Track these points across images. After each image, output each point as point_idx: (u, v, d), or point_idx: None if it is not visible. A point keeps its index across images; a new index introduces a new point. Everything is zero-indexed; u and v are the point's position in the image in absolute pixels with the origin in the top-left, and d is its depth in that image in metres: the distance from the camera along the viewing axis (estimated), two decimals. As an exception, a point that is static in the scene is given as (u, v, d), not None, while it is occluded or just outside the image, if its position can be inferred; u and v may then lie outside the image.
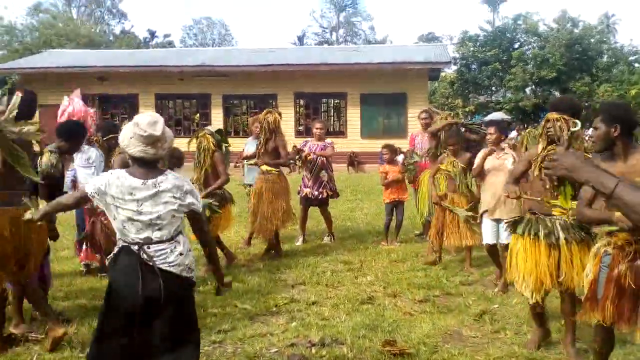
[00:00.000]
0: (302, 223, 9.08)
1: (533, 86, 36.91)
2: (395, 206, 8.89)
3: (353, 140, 23.47)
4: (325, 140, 9.17)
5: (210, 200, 7.02)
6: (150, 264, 3.40)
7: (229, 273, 6.95)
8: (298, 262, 7.79)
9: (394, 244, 8.70)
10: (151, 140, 3.44)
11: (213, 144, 7.32)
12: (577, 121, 3.97)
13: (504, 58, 37.54)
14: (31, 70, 25.70)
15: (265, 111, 8.33)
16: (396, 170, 8.91)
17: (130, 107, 24.89)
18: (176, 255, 3.47)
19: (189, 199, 3.53)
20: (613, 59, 36.68)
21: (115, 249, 3.53)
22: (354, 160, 23.12)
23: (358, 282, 6.87)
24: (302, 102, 25.27)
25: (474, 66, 39.70)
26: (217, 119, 24.16)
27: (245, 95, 25.25)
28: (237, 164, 11.06)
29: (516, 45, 39.14)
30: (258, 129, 8.65)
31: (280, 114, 8.30)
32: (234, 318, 5.65)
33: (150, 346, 3.44)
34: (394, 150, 9.27)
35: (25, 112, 4.73)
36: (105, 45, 50.97)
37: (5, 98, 4.86)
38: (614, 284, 3.73)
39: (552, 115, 4.64)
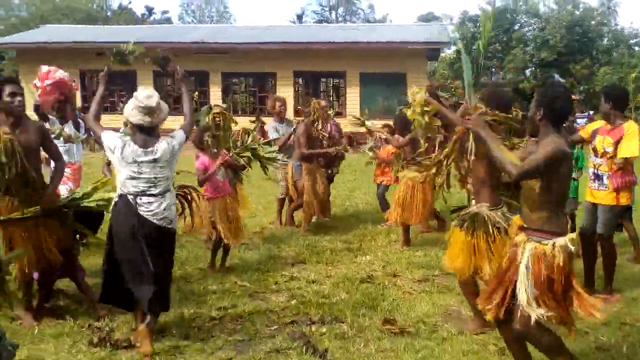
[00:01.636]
0: None
1: (533, 68, 36.74)
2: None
3: (352, 120, 23.39)
4: (332, 120, 9.27)
5: None
6: (140, 211, 4.41)
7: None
8: (297, 240, 7.80)
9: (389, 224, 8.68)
10: (148, 111, 4.39)
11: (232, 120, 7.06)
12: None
13: (504, 39, 37.31)
14: (27, 45, 25.47)
15: (315, 101, 8.51)
16: (385, 152, 8.83)
17: (128, 84, 24.73)
18: (162, 209, 4.48)
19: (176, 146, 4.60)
20: (613, 42, 36.47)
21: (116, 197, 4.52)
22: (353, 140, 23.05)
23: (357, 262, 6.89)
24: (301, 81, 25.14)
25: (473, 47, 39.47)
26: (215, 97, 24.00)
27: (244, 73, 25.07)
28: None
29: (516, 27, 38.90)
30: (281, 111, 8.73)
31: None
32: (234, 295, 5.68)
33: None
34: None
35: None
36: (102, 21, 50.52)
37: None
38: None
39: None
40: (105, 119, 22.03)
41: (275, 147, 7.73)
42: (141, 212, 4.43)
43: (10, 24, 46.98)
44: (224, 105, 7.20)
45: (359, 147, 22.93)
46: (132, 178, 4.42)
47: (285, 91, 23.66)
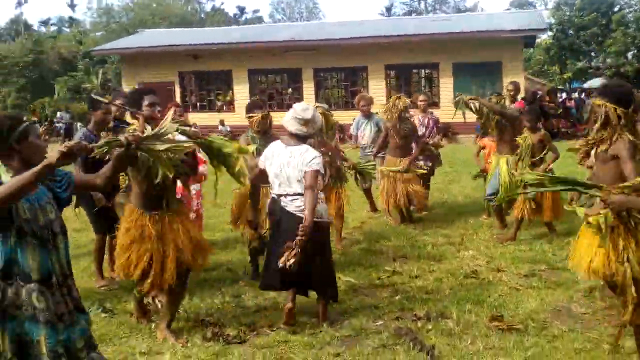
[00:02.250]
0: None
1: (635, 50, 34.88)
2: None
3: (446, 111, 22.94)
4: (430, 113, 9.24)
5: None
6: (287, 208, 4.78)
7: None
8: (397, 234, 7.79)
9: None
10: (304, 122, 4.83)
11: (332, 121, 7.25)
12: None
13: (603, 22, 35.59)
14: (128, 50, 26.65)
15: (393, 97, 8.46)
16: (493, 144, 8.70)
17: (224, 83, 25.44)
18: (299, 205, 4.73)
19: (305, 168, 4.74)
20: None
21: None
22: (448, 131, 22.69)
23: (460, 256, 6.80)
24: (392, 73, 25.01)
25: (570, 31, 37.92)
26: (308, 93, 24.31)
27: (336, 68, 25.22)
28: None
29: (616, 9, 37.04)
30: (365, 108, 9.07)
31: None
32: (339, 290, 5.71)
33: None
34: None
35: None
36: (196, 23, 52.11)
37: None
38: None
39: (596, 101, 4.20)
40: (204, 116, 22.89)
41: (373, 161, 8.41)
42: (285, 208, 4.81)
43: (111, 30, 49.34)
44: (325, 106, 7.32)
45: (454, 138, 22.62)
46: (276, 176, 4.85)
47: (377, 85, 23.62)
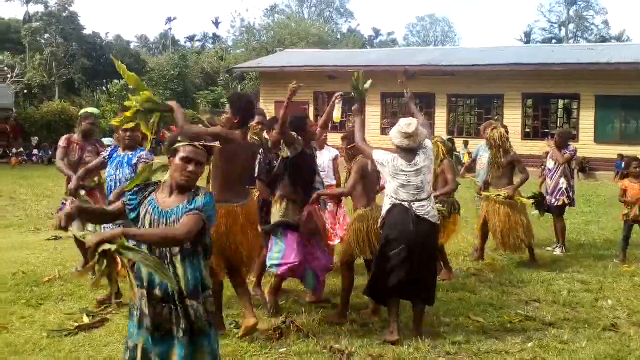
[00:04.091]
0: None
1: None
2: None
3: (585, 145, 21.93)
4: (568, 147, 8.93)
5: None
6: (417, 213, 5.25)
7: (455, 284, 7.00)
8: (531, 276, 7.53)
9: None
10: (407, 135, 5.29)
11: (443, 152, 7.41)
12: None
13: None
14: (267, 69, 27.66)
15: (489, 125, 8.26)
16: (637, 189, 8.24)
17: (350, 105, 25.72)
18: (431, 209, 5.36)
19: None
20: None
21: (389, 205, 5.35)
22: (586, 167, 21.68)
23: (598, 306, 6.45)
24: (530, 102, 24.27)
25: None
26: (440, 118, 24.11)
27: (470, 95, 24.85)
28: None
29: None
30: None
31: (506, 128, 8.39)
32: (467, 330, 5.64)
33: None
34: None
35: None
36: (332, 44, 53.22)
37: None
38: None
39: None
40: (332, 136, 22.86)
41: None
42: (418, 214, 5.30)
43: (252, 48, 51.40)
44: (445, 137, 7.45)
45: (592, 174, 21.56)
46: (402, 186, 5.30)
47: (512, 113, 23.01)
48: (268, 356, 5.01)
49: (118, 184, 6.11)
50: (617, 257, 8.36)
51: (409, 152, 5.34)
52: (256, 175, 6.32)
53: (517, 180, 8.09)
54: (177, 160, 3.36)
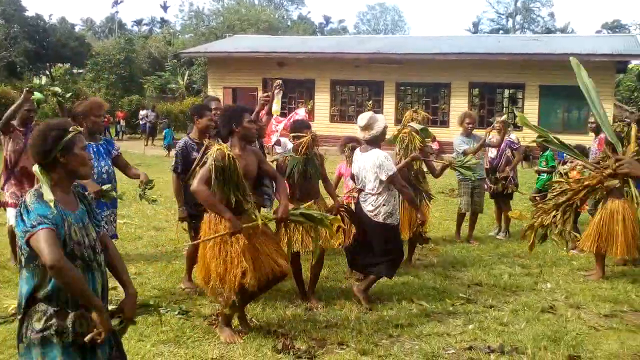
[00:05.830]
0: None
1: None
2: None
3: (528, 134, 22.40)
4: (511, 136, 9.09)
5: None
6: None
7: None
8: (473, 260, 7.66)
9: (573, 251, 8.26)
10: (361, 129, 5.82)
11: (420, 142, 7.23)
12: None
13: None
14: (216, 54, 27.33)
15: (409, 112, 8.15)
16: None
17: (306, 92, 25.70)
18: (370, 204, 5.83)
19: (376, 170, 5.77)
20: None
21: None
22: (529, 155, 22.11)
23: (537, 289, 6.61)
24: (476, 91, 24.64)
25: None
26: (389, 106, 24.25)
27: (419, 83, 25.07)
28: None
29: None
30: (470, 126, 8.75)
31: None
32: (410, 313, 5.69)
33: None
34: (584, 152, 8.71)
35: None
36: (282, 31, 52.89)
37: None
38: None
39: None
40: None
41: (471, 157, 7.80)
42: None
43: (200, 33, 50.70)
44: (417, 126, 7.21)
45: (535, 162, 22.00)
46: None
47: (459, 102, 23.32)
48: (210, 341, 4.95)
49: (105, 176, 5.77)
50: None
51: (368, 145, 5.91)
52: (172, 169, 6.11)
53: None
54: None
